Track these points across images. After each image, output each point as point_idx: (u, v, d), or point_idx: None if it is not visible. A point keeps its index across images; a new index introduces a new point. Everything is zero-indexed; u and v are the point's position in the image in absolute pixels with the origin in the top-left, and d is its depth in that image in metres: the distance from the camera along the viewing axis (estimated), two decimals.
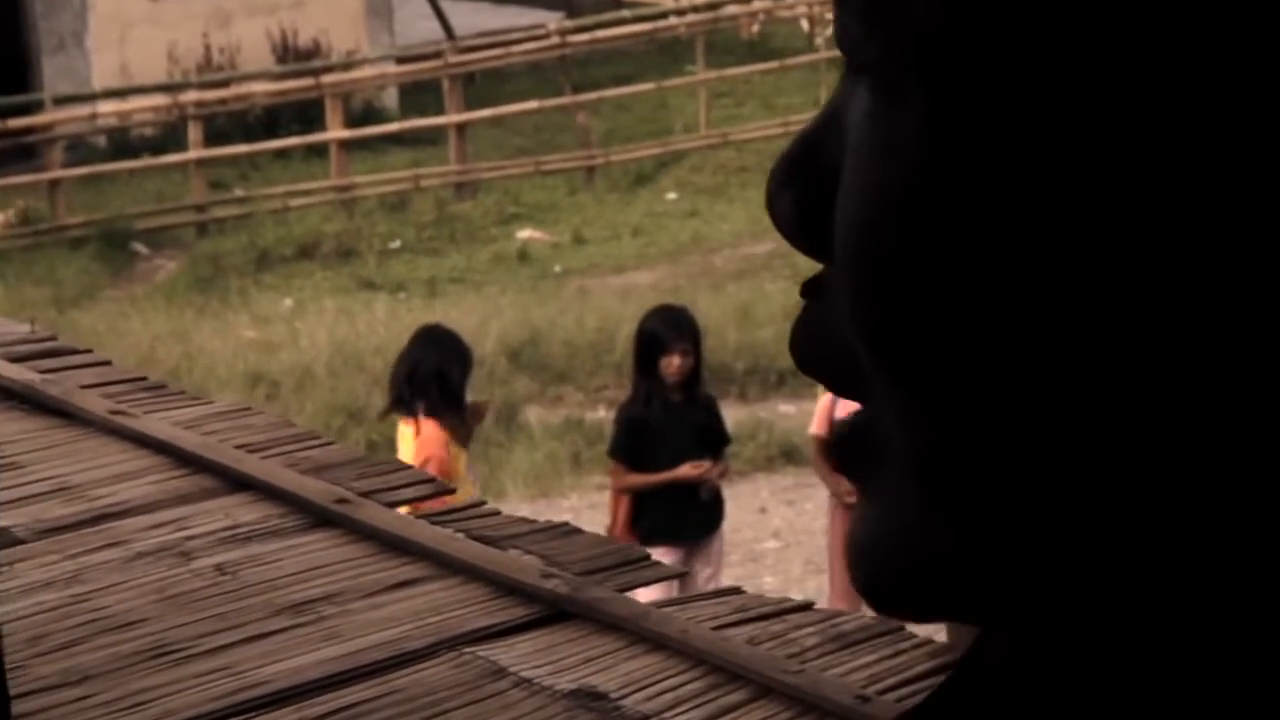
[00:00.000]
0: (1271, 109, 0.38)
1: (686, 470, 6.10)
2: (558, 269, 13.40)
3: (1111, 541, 0.42)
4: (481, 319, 10.87)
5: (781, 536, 7.92)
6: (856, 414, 0.46)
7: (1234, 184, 0.39)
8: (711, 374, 10.04)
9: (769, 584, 7.22)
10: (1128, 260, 0.39)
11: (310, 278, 13.20)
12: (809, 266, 0.47)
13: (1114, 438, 0.41)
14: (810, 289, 0.47)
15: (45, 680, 2.07)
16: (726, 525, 6.52)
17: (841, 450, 0.47)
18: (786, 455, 8.68)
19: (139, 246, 14.43)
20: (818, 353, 0.46)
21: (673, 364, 6.12)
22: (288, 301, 12.41)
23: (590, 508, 8.22)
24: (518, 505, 8.24)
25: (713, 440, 6.27)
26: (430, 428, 5.90)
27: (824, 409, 6.30)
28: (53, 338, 2.93)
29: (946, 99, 0.41)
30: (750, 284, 11.97)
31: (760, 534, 7.96)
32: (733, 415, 9.22)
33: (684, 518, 6.12)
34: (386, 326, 10.91)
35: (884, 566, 0.45)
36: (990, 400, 0.42)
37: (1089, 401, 0.41)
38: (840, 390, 0.46)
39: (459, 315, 11.02)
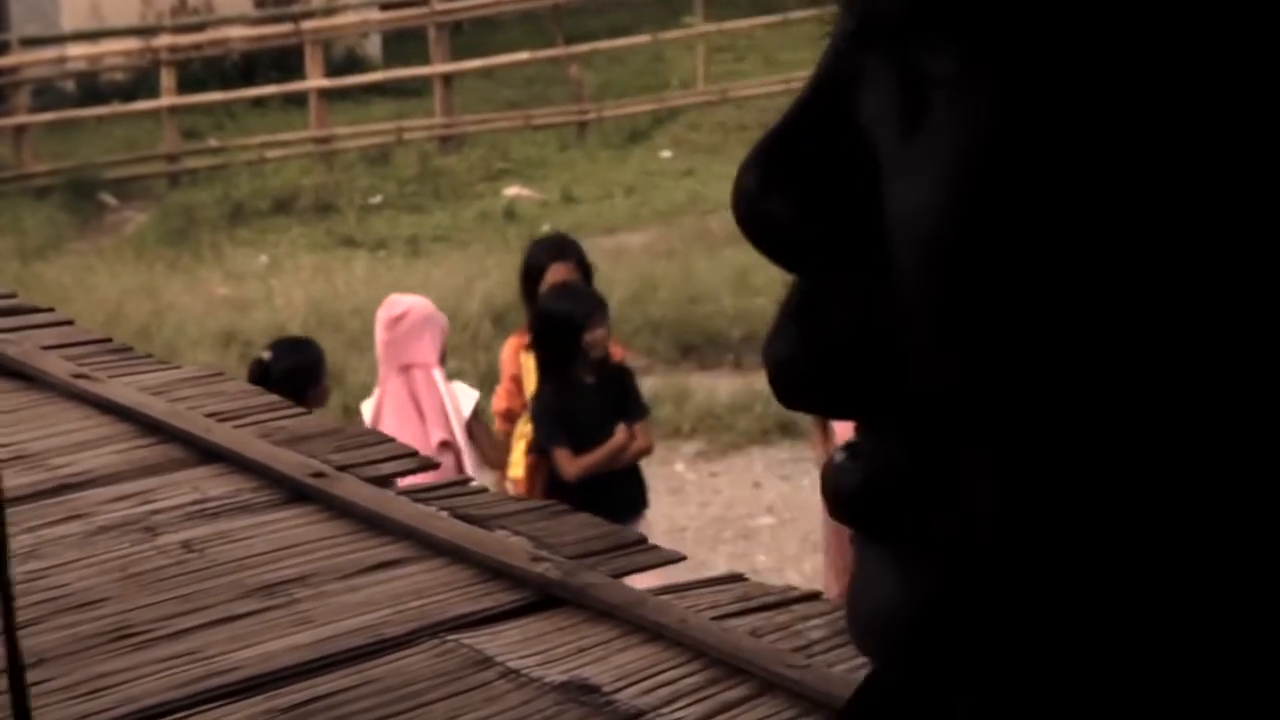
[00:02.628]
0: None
1: (621, 437, 5.81)
2: (546, 228, 13.23)
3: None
4: (466, 279, 10.74)
5: (776, 513, 7.71)
6: (866, 458, 0.40)
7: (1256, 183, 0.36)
8: (707, 342, 9.88)
9: (762, 563, 7.04)
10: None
11: (286, 233, 13.04)
12: None
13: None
14: (803, 309, 0.41)
15: None
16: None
17: (861, 505, 0.40)
18: (782, 428, 8.40)
19: (107, 197, 14.25)
20: (824, 377, 0.40)
21: (597, 337, 5.81)
22: (263, 258, 12.25)
23: None
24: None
25: (635, 410, 5.96)
26: (515, 337, 5.99)
27: None
28: (13, 295, 2.82)
29: (1032, 83, 0.37)
30: (748, 248, 11.47)
31: (754, 510, 7.77)
32: (727, 386, 9.07)
33: (600, 501, 5.50)
34: (366, 286, 10.75)
35: (931, 642, 0.39)
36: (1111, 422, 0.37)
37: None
38: (854, 417, 0.41)
39: (442, 275, 10.88)
